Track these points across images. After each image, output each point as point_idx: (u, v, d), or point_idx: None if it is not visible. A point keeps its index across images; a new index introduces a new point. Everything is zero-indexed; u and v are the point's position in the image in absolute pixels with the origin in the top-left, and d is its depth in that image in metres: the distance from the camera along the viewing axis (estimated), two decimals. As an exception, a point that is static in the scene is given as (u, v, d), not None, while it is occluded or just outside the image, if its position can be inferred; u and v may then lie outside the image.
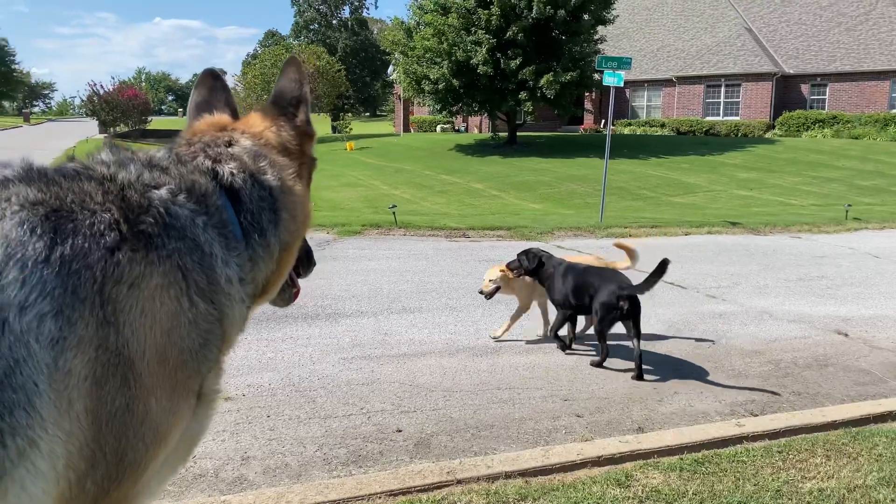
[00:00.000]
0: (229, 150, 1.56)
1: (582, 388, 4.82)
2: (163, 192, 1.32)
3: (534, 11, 27.42)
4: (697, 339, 6.02)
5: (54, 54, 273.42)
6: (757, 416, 4.36)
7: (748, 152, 29.50)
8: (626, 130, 39.61)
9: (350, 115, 56.46)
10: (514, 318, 5.86)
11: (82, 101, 53.48)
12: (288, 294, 1.80)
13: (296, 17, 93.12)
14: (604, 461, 3.62)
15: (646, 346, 5.81)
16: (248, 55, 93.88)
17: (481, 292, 5.80)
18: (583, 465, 3.57)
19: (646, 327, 6.32)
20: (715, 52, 38.81)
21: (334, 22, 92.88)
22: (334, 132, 45.35)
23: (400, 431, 4.01)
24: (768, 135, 36.02)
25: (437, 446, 3.83)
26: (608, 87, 13.59)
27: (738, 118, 37.66)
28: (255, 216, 1.48)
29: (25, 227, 1.08)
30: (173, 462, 1.34)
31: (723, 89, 38.11)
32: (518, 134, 33.80)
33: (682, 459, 3.61)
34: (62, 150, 27.10)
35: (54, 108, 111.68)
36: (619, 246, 6.19)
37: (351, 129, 43.71)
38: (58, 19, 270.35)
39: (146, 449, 1.20)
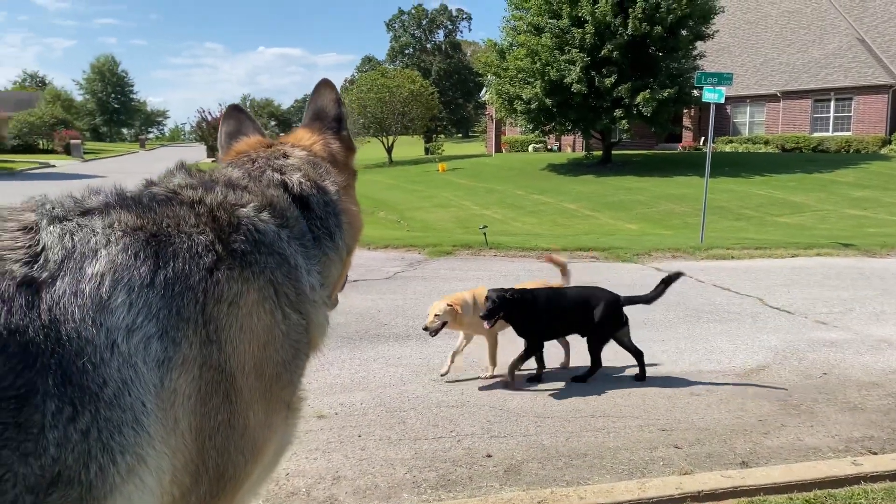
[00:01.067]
0: (288, 161, 1.63)
1: (681, 417, 4.61)
2: (249, 209, 1.37)
3: (629, 29, 26.99)
4: (806, 368, 5.66)
5: (168, 83, 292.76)
6: (876, 454, 4.03)
7: (861, 169, 27.78)
8: (728, 148, 38.18)
9: (443, 136, 57.27)
10: (492, 355, 5.38)
11: (192, 127, 56.72)
12: (336, 299, 1.85)
13: (391, 42, 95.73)
14: (704, 497, 3.43)
15: (752, 373, 5.53)
16: (345, 81, 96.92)
17: (426, 328, 5.19)
18: (682, 499, 3.40)
19: (749, 353, 6.03)
20: (824, 64, 36.93)
21: (429, 46, 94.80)
22: (427, 153, 46.02)
23: (490, 457, 3.95)
24: (884, 150, 33.80)
25: (528, 474, 3.75)
26: (708, 104, 13.20)
27: (849, 133, 35.57)
28: (323, 222, 1.55)
29: (130, 251, 1.13)
30: (263, 475, 1.37)
31: (832, 103, 36.15)
32: (613, 152, 33.18)
33: (791, 499, 3.38)
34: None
35: (167, 134, 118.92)
36: (550, 260, 6.03)
37: (443, 150, 44.26)
38: (172, 51, 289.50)
39: (245, 463, 1.23)
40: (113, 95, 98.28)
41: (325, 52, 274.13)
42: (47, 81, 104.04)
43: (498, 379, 5.29)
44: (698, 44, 29.97)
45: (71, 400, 0.98)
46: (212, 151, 51.13)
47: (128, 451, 1.03)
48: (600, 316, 5.24)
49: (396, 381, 5.24)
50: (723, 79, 13.05)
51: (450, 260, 11.20)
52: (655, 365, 5.71)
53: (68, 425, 0.98)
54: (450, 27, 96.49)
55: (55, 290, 1.04)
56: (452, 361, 5.34)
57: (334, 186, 1.64)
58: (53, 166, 40.38)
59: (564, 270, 5.84)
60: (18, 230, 1.10)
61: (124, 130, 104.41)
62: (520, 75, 29.50)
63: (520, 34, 29.91)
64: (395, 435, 4.24)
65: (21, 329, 0.98)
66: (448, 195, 25.70)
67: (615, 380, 5.37)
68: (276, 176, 1.55)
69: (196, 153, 50.85)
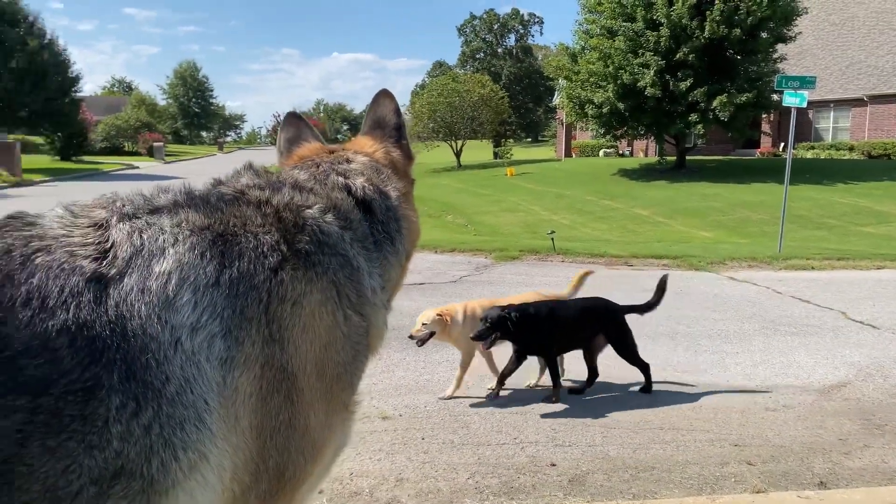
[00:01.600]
0: (351, 165, 1.66)
1: (754, 433, 4.42)
2: (314, 210, 1.39)
3: (706, 32, 26.27)
4: (892, 386, 5.35)
5: (246, 88, 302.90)
6: (969, 481, 3.77)
7: (956, 177, 26.21)
8: (809, 154, 36.68)
9: (511, 140, 56.99)
10: (463, 368, 5.10)
11: (268, 130, 58.30)
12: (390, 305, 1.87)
13: (462, 46, 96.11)
14: (779, 518, 3.28)
15: (832, 390, 5.26)
16: (416, 85, 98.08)
17: (411, 337, 5.00)
18: (754, 519, 3.26)
19: (829, 369, 5.75)
20: (916, 67, 35.07)
21: (499, 50, 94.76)
22: (496, 158, 45.93)
23: (554, 465, 3.88)
24: (982, 158, 31.85)
25: (593, 485, 3.66)
26: (788, 109, 12.71)
27: (943, 139, 33.66)
28: (385, 226, 1.57)
29: (196, 251, 1.14)
30: (321, 475, 1.37)
31: (925, 108, 34.28)
32: (687, 158, 32.35)
33: (874, 524, 3.19)
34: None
35: (244, 138, 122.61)
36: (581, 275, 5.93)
37: (512, 154, 44.04)
38: (249, 57, 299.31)
39: (305, 463, 1.23)
40: (194, 100, 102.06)
41: (397, 57, 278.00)
42: (133, 87, 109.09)
43: (542, 388, 5.16)
44: (779, 46, 28.94)
45: (135, 395, 1.00)
46: (286, 155, 52.44)
47: (190, 447, 1.04)
48: (615, 324, 5.21)
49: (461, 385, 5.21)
50: (805, 82, 12.56)
51: (516, 265, 11.12)
52: (716, 388, 5.51)
53: (131, 420, 0.99)
54: (521, 31, 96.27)
55: (122, 287, 1.06)
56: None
57: (395, 192, 1.67)
58: (137, 168, 42.26)
59: (577, 286, 5.82)
60: (89, 226, 1.13)
61: (203, 134, 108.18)
62: (591, 79, 29.12)
63: (592, 38, 29.53)
64: (458, 439, 4.22)
65: (89, 324, 1.00)
66: (516, 200, 25.57)
67: (685, 392, 5.20)
68: (341, 179, 1.58)
69: (271, 156, 52.09)
